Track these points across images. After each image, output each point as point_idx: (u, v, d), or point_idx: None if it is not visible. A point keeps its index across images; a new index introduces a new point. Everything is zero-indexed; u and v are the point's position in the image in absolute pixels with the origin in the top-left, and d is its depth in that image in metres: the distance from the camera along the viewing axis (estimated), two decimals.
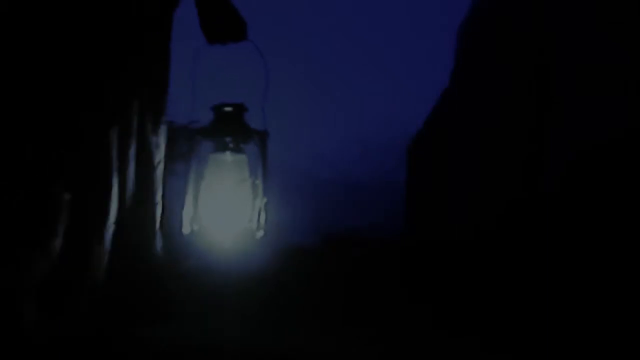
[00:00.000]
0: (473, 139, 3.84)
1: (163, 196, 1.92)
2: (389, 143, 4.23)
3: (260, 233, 2.04)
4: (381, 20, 4.42)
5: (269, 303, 2.66)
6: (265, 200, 2.04)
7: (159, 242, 1.92)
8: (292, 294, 2.86)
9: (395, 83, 4.34)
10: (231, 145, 2.06)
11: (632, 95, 3.30)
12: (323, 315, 2.75)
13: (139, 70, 1.81)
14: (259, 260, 2.26)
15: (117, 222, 1.82)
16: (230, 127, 2.05)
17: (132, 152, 1.83)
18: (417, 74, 4.32)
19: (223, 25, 1.90)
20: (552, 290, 3.06)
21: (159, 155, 1.91)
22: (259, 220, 2.04)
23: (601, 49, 3.41)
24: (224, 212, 2.06)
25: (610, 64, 3.37)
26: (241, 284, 2.48)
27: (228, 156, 2.08)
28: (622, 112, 3.31)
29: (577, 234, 3.22)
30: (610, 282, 2.99)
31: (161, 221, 1.92)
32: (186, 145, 2.08)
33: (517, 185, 3.62)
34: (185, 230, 2.05)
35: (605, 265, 3.07)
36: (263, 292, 2.74)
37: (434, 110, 4.18)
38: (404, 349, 2.38)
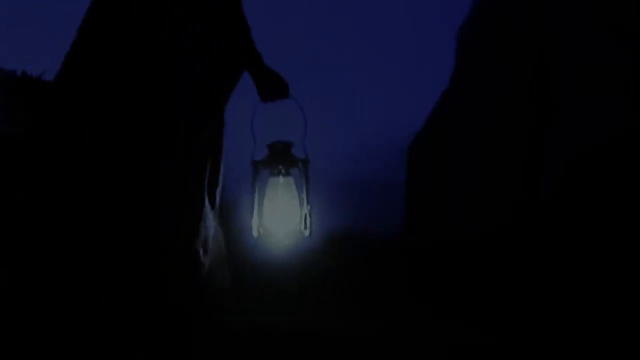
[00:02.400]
0: (473, 139, 3.85)
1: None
2: (389, 143, 4.23)
3: (307, 232, 2.75)
4: (381, 20, 4.42)
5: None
6: (310, 208, 2.75)
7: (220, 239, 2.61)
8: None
9: (395, 83, 4.34)
10: (282, 171, 2.82)
11: (632, 95, 3.31)
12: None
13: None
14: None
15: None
16: (281, 159, 2.81)
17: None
18: (417, 74, 4.32)
19: (272, 89, 2.62)
20: (552, 290, 3.06)
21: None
22: (305, 223, 2.75)
23: (601, 49, 3.42)
24: (280, 218, 2.80)
25: (610, 64, 3.38)
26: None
27: (280, 179, 2.83)
28: (622, 112, 3.32)
29: (577, 233, 3.23)
30: (610, 283, 3.00)
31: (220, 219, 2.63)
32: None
33: (517, 185, 3.62)
34: (254, 233, 2.76)
35: (605, 266, 3.07)
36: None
37: (434, 110, 4.18)
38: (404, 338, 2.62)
